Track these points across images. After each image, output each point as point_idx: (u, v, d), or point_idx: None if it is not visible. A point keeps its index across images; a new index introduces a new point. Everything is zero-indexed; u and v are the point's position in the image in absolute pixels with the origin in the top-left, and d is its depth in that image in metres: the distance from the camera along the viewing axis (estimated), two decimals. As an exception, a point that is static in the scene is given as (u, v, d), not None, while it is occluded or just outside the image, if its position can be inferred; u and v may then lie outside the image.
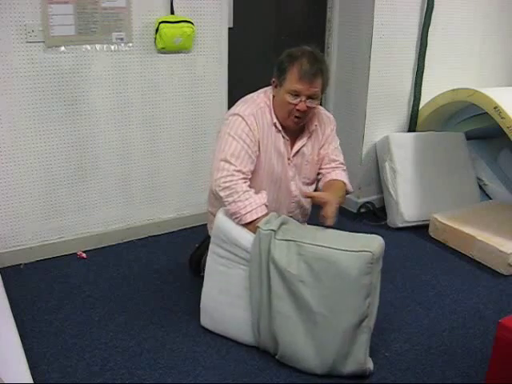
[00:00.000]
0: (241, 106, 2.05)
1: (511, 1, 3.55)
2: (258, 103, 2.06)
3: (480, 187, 3.36)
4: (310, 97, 1.96)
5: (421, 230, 3.06)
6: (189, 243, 2.53)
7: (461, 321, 2.26)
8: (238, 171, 1.94)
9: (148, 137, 2.76)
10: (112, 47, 2.52)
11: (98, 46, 2.48)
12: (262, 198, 1.96)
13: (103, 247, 2.76)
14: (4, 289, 2.17)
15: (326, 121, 2.20)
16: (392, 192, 3.13)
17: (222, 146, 1.98)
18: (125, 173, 2.75)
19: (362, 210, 3.30)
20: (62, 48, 2.40)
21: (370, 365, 1.90)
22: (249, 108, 2.03)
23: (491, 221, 2.89)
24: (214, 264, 2.02)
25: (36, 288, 2.38)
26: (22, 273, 2.50)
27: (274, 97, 2.06)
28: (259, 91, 2.13)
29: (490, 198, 3.36)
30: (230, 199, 1.92)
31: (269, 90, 2.11)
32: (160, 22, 2.52)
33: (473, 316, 2.30)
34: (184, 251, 2.55)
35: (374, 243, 1.83)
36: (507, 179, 3.43)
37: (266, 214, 1.94)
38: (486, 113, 2.90)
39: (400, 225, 3.11)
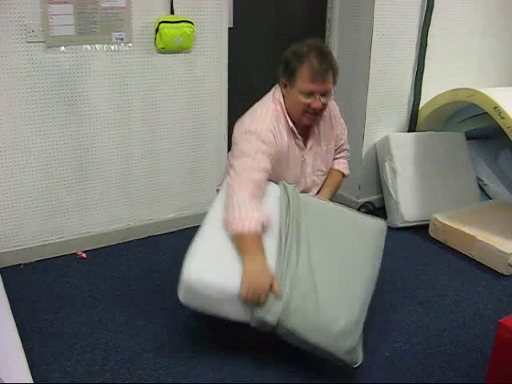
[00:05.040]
0: (255, 122, 1.97)
1: (511, 1, 3.55)
2: (271, 114, 1.99)
3: (480, 187, 3.36)
4: (323, 94, 1.95)
5: (421, 230, 3.06)
6: (189, 243, 2.52)
7: (461, 321, 2.27)
8: (250, 179, 1.89)
9: (148, 137, 2.76)
10: (112, 47, 2.52)
11: (97, 46, 2.48)
12: (260, 214, 1.87)
13: (103, 247, 2.76)
14: (4, 289, 2.18)
15: (333, 107, 2.21)
16: (392, 192, 3.13)
17: (235, 163, 1.94)
18: (125, 173, 2.75)
19: (362, 210, 3.30)
20: (62, 48, 2.40)
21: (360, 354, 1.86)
22: (265, 125, 1.96)
23: (491, 221, 2.89)
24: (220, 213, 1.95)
25: (36, 288, 2.38)
26: (22, 273, 2.50)
27: (283, 96, 2.03)
28: (266, 99, 2.07)
29: (490, 198, 3.36)
30: (228, 203, 1.89)
31: (276, 91, 2.06)
32: (160, 22, 2.52)
33: (473, 316, 2.30)
34: (184, 251, 2.54)
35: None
36: (507, 179, 3.43)
37: (256, 236, 1.84)
38: (486, 113, 2.90)
39: (400, 225, 3.11)
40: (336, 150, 2.29)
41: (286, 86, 2.00)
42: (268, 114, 2.00)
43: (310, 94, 1.93)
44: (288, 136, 2.04)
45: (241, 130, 1.98)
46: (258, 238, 1.84)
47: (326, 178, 2.29)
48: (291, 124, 2.02)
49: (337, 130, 2.23)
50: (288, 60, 1.97)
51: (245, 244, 1.83)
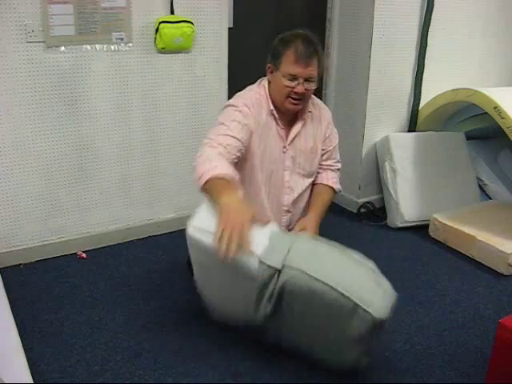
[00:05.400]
0: (235, 98, 2.07)
1: (511, 1, 3.55)
2: (253, 94, 2.07)
3: (480, 187, 3.36)
4: (306, 79, 1.97)
5: (421, 230, 3.06)
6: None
7: (461, 321, 2.27)
8: (219, 144, 1.88)
9: (148, 137, 2.76)
10: (112, 47, 2.52)
11: (97, 46, 2.48)
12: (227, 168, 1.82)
13: (103, 247, 2.76)
14: (4, 289, 2.18)
15: (323, 111, 2.21)
16: (392, 192, 3.13)
17: (209, 132, 1.98)
18: (125, 173, 2.75)
19: (362, 210, 3.30)
20: (62, 48, 2.40)
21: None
22: (243, 99, 2.04)
23: (491, 221, 2.89)
24: None
25: (36, 288, 2.38)
26: (22, 273, 2.50)
27: (269, 83, 2.07)
28: (253, 85, 2.14)
29: (490, 198, 3.36)
30: (199, 160, 1.85)
31: (263, 80, 2.12)
32: (160, 22, 2.52)
33: (473, 316, 2.30)
34: (184, 251, 2.54)
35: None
36: (507, 179, 3.43)
37: (232, 180, 1.78)
38: (486, 113, 2.90)
39: (400, 225, 3.11)
40: (323, 156, 2.23)
41: (271, 72, 2.04)
42: (249, 95, 2.07)
43: (294, 77, 1.95)
44: (269, 119, 2.05)
45: (222, 107, 2.07)
46: (229, 182, 1.75)
47: (313, 196, 2.22)
48: (272, 106, 2.05)
49: (326, 132, 2.20)
50: (275, 46, 2.01)
51: (215, 187, 1.74)
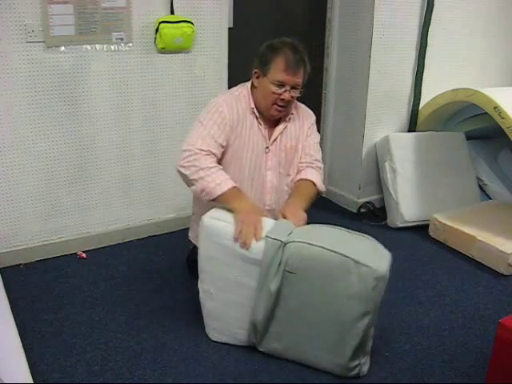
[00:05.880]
0: (217, 97, 2.12)
1: (511, 1, 3.55)
2: (233, 92, 2.12)
3: (480, 187, 3.36)
4: (293, 87, 2.00)
5: (421, 230, 3.06)
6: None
7: (461, 321, 2.27)
8: (201, 150, 1.96)
9: (148, 137, 2.76)
10: (112, 47, 2.52)
11: (97, 46, 2.48)
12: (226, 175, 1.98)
13: (103, 247, 2.76)
14: (4, 289, 2.18)
15: (305, 114, 2.23)
16: (392, 192, 3.13)
17: (190, 132, 2.03)
18: (125, 173, 2.75)
19: (362, 210, 3.30)
20: (62, 48, 2.40)
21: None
22: (222, 97, 2.09)
23: (491, 221, 2.89)
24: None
25: (36, 288, 2.38)
26: (22, 273, 2.50)
27: (254, 86, 2.10)
28: (235, 87, 2.18)
29: (490, 198, 3.36)
30: (196, 176, 1.93)
31: (248, 83, 2.15)
32: (160, 22, 2.53)
33: (473, 316, 2.30)
34: (184, 251, 2.55)
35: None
36: (507, 179, 3.43)
37: (235, 188, 1.95)
38: (486, 113, 2.90)
39: (400, 225, 3.11)
40: (302, 154, 2.20)
41: (258, 77, 2.06)
42: (231, 91, 2.14)
43: (282, 84, 1.99)
44: (250, 117, 2.08)
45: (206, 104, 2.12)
46: (238, 190, 1.96)
47: (293, 189, 2.16)
48: (252, 105, 2.08)
49: (307, 133, 2.20)
50: (263, 52, 2.05)
51: (228, 198, 1.92)
